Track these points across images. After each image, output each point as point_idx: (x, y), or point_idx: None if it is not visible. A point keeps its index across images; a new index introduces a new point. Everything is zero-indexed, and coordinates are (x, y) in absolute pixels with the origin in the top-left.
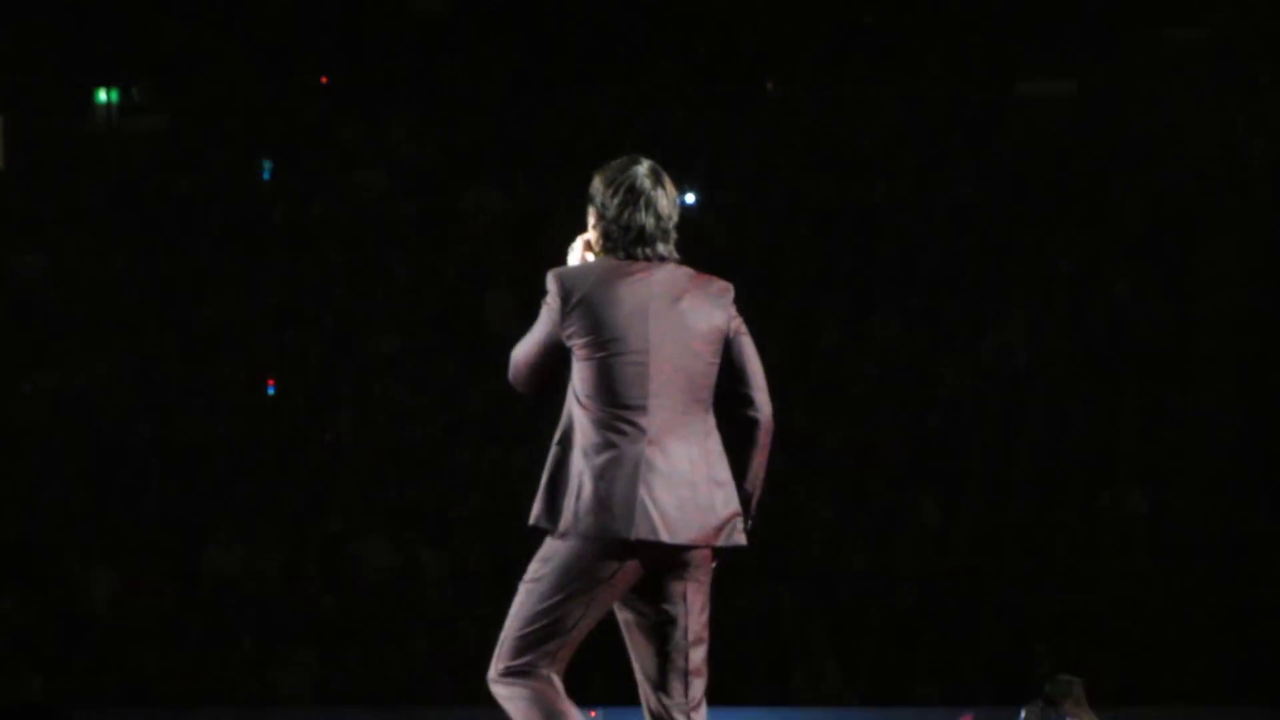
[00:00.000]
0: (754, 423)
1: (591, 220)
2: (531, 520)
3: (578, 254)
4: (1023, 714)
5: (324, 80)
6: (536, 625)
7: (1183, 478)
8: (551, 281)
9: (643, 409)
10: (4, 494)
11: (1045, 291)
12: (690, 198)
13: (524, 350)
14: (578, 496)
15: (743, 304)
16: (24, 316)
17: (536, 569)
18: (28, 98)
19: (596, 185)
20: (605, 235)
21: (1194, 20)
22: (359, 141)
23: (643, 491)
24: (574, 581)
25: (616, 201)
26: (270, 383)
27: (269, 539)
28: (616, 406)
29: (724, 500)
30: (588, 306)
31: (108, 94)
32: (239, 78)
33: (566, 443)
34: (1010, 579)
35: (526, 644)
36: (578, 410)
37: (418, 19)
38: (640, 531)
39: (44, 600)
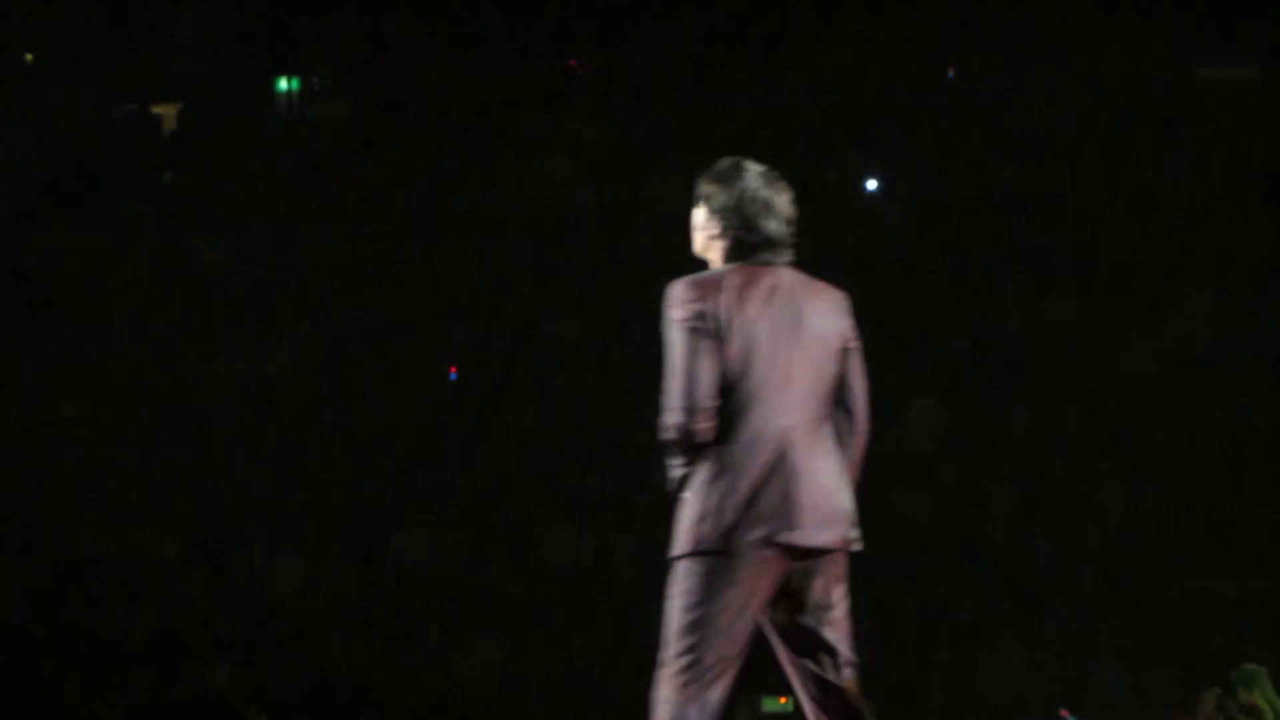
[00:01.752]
0: (851, 434)
1: (707, 226)
2: (690, 549)
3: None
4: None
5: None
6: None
7: None
8: (671, 298)
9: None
10: (189, 482)
11: (1228, 276)
12: (872, 183)
13: (675, 385)
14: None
15: (923, 289)
16: (208, 304)
17: (672, 587)
18: (209, 86)
19: (709, 190)
20: (731, 242)
21: None
22: (539, 129)
23: None
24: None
25: (738, 207)
26: (453, 370)
27: (454, 526)
28: (736, 399)
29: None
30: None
31: (289, 82)
32: (419, 64)
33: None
34: (1193, 563)
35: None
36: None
37: (598, 4)
38: None
39: (229, 588)
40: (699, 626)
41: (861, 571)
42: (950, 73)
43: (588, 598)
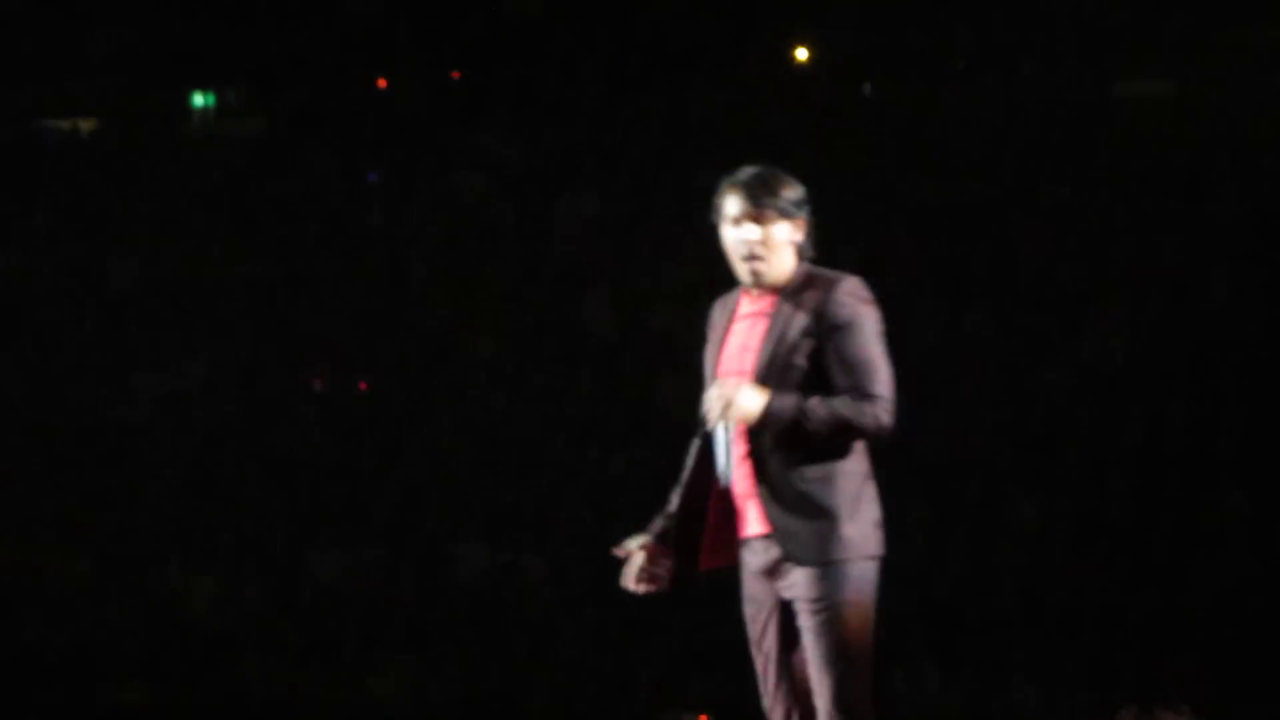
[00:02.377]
0: None
1: (803, 219)
2: (882, 551)
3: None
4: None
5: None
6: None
7: None
8: (863, 288)
9: None
10: (104, 499)
11: (1144, 291)
12: None
13: (886, 365)
14: (859, 515)
15: None
16: (121, 320)
17: (857, 595)
18: (124, 101)
19: (800, 190)
20: (809, 236)
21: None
22: (455, 144)
23: None
24: (870, 605)
25: (805, 200)
26: (363, 386)
27: (367, 544)
28: None
29: None
30: None
31: (204, 98)
32: (334, 80)
33: (838, 462)
34: (1108, 579)
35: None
36: None
37: (515, 21)
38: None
39: (143, 606)
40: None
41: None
42: (866, 88)
43: (502, 616)
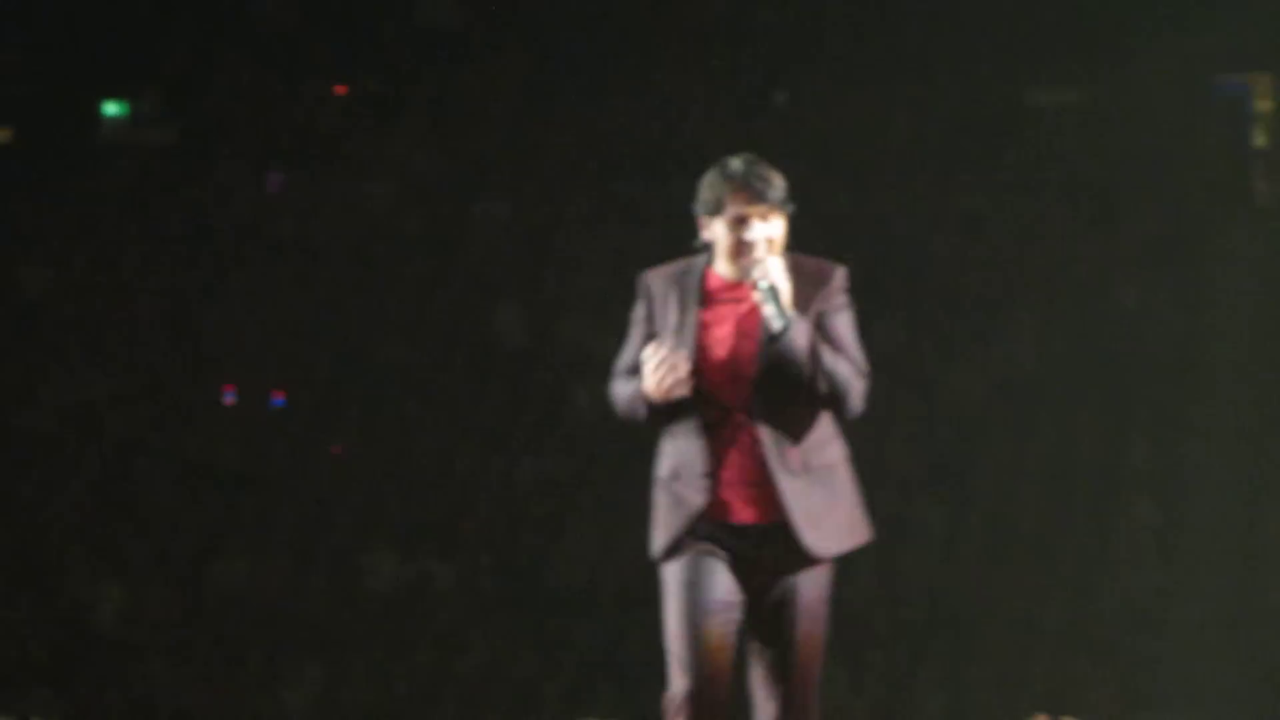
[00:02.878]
0: None
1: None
2: (859, 541)
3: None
4: None
5: (341, 90)
6: None
7: (1192, 487)
8: None
9: None
10: (12, 507)
11: (1055, 299)
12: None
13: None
14: (859, 502)
15: None
16: (32, 329)
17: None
18: (36, 110)
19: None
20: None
21: (1201, 29)
22: (368, 153)
23: None
24: None
25: None
26: (278, 395)
27: (276, 553)
28: None
29: None
30: None
31: (116, 107)
32: (248, 89)
33: (837, 446)
34: (1018, 590)
35: None
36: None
37: (427, 31)
38: None
39: (51, 613)
40: None
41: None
42: (780, 97)
43: (411, 624)
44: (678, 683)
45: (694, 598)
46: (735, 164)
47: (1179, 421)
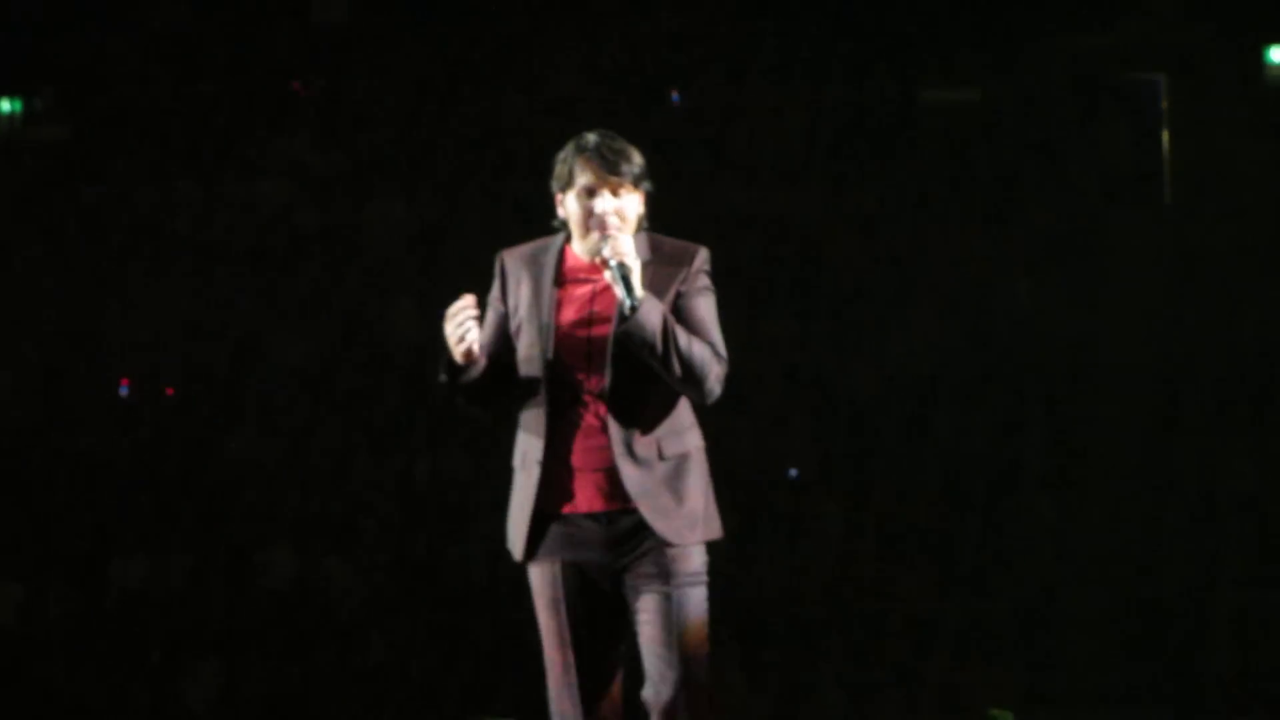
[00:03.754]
0: None
1: (645, 194)
2: (713, 534)
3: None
4: None
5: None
6: None
7: (1087, 485)
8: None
9: None
10: None
11: (950, 297)
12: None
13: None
14: (712, 497)
15: None
16: None
17: (702, 582)
18: None
19: (643, 160)
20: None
21: (1098, 28)
22: (261, 152)
23: None
24: None
25: None
26: (169, 392)
27: (173, 551)
28: None
29: None
30: None
31: (10, 104)
32: (141, 87)
33: (692, 436)
34: (916, 587)
35: None
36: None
37: (319, 27)
38: None
39: None
40: None
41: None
42: (675, 95)
43: (308, 622)
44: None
45: (563, 632)
46: (589, 137)
47: (1074, 418)
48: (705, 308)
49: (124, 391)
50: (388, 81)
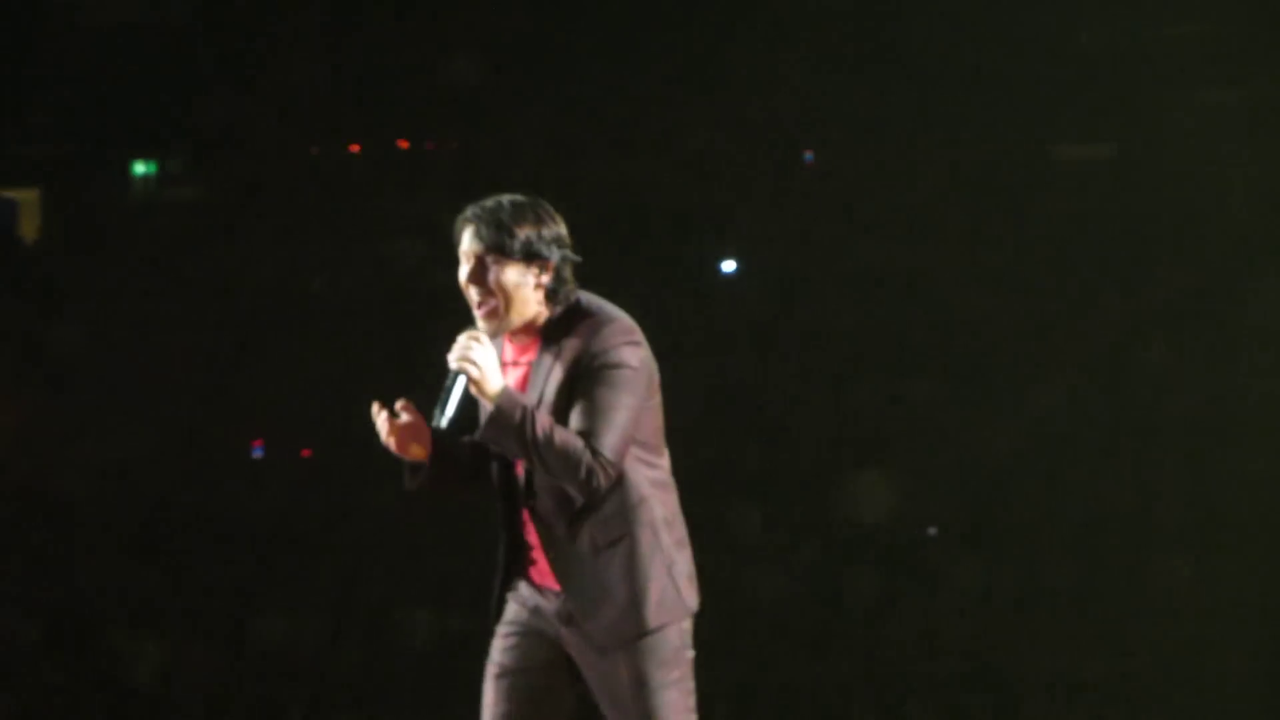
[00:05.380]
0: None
1: (550, 261)
2: (662, 621)
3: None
4: None
5: (354, 149)
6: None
7: (1225, 543)
8: (632, 331)
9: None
10: (48, 566)
11: (1085, 356)
12: (729, 264)
13: (626, 427)
14: (672, 574)
15: (784, 369)
16: (63, 389)
17: (674, 665)
18: (65, 169)
19: (555, 227)
20: (562, 278)
21: (1232, 82)
22: (393, 211)
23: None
24: (688, 664)
25: (563, 237)
26: (306, 454)
27: (314, 610)
28: (664, 457)
29: None
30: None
31: (145, 166)
32: (274, 147)
33: (636, 516)
34: (1055, 645)
35: None
36: (642, 470)
37: (452, 87)
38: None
39: (89, 672)
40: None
41: (722, 653)
42: (808, 154)
43: (446, 680)
44: None
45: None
46: (482, 201)
47: (1212, 476)
48: (596, 390)
49: (258, 453)
50: (520, 140)
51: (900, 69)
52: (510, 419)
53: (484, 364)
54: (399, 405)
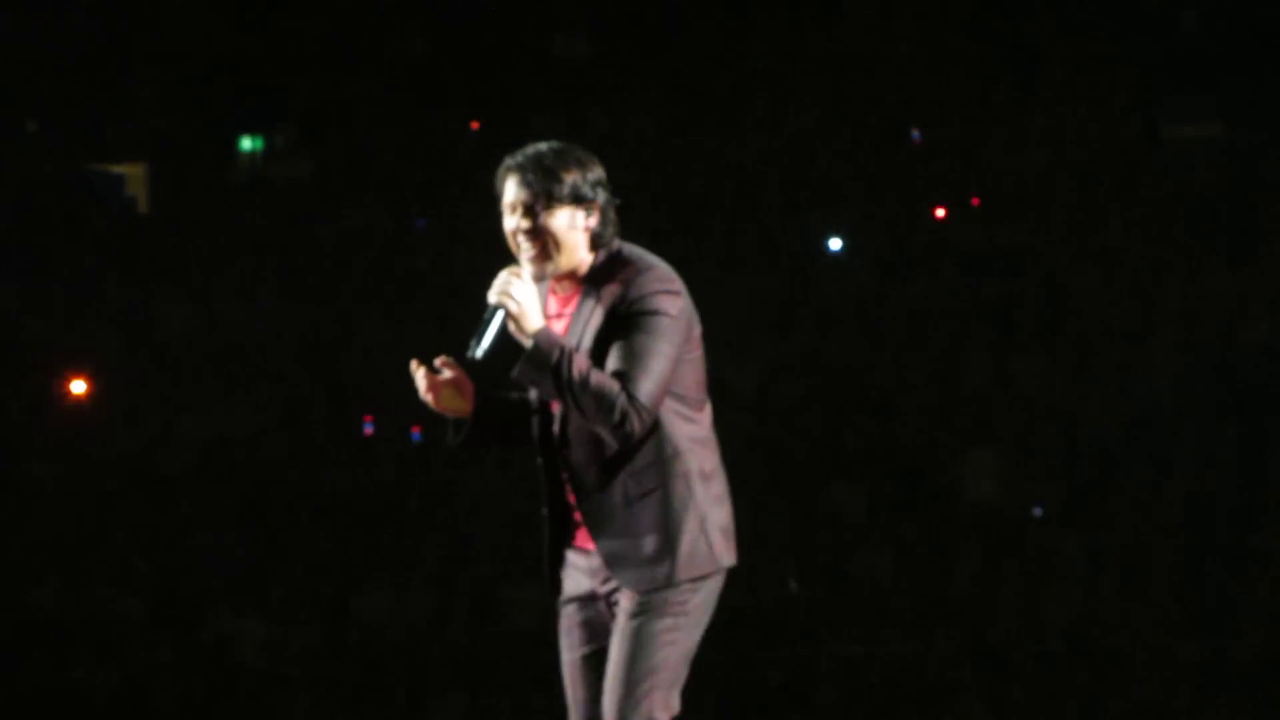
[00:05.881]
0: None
1: (596, 203)
2: (691, 574)
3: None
4: None
5: (474, 125)
6: (683, 672)
7: None
8: (671, 280)
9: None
10: (154, 543)
11: (1193, 334)
12: (835, 243)
13: (664, 375)
14: (705, 528)
15: (891, 345)
16: (170, 365)
17: (676, 616)
18: (172, 146)
19: (597, 170)
20: (608, 221)
21: None
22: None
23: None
24: (706, 619)
25: (605, 180)
26: (416, 429)
27: (418, 586)
28: (704, 413)
29: None
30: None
31: (252, 141)
32: (381, 123)
33: (671, 469)
34: (1159, 624)
35: (676, 693)
36: (680, 424)
37: (561, 63)
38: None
39: (194, 648)
40: (689, 658)
41: (826, 633)
42: (915, 133)
43: (550, 658)
44: None
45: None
46: (523, 149)
47: None
48: (634, 333)
49: (368, 429)
50: (628, 117)
51: (1008, 47)
52: (547, 357)
53: (523, 300)
54: (439, 362)
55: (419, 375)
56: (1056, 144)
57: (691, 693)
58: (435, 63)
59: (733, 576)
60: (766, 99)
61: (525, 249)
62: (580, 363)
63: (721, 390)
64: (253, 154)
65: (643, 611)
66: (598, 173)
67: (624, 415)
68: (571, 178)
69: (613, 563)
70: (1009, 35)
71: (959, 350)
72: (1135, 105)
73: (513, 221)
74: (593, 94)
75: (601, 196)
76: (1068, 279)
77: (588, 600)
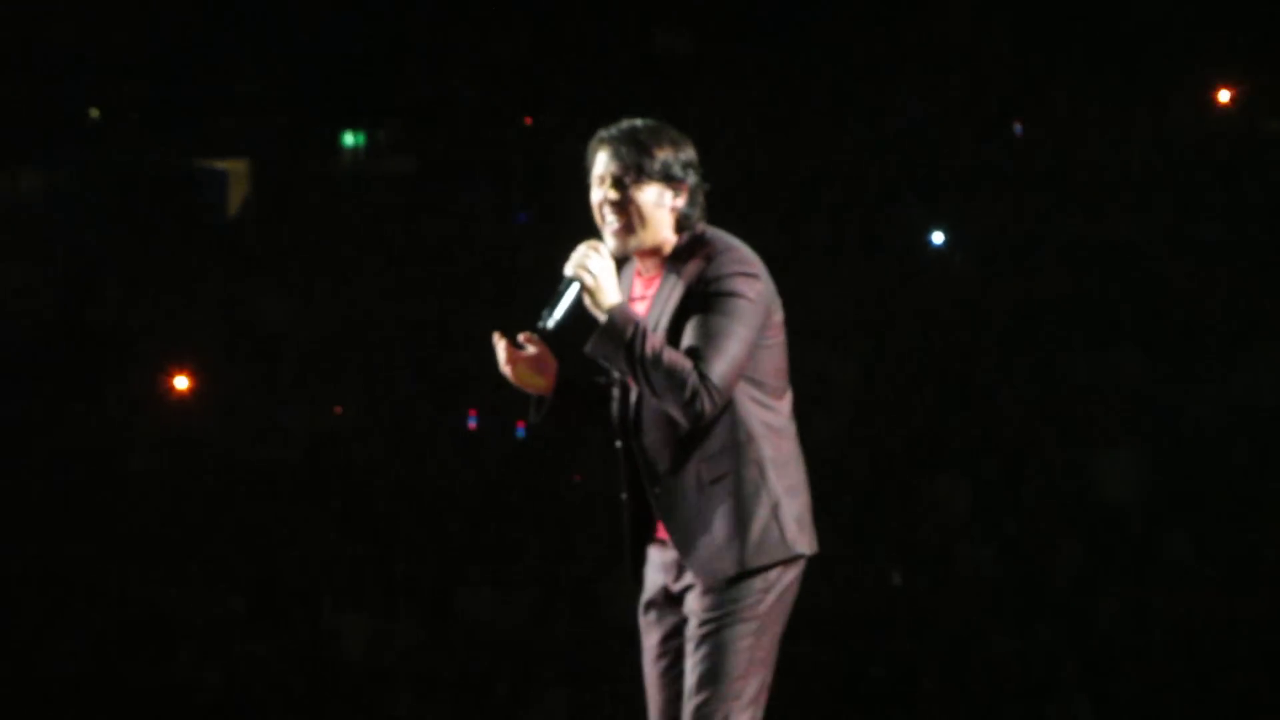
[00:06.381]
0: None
1: (686, 183)
2: (761, 561)
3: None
4: None
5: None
6: (766, 678)
7: None
8: (752, 262)
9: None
10: (255, 538)
11: None
12: (938, 236)
13: (738, 357)
14: (777, 514)
15: (992, 342)
16: (272, 360)
17: (748, 621)
18: (274, 141)
19: (689, 152)
20: (695, 203)
21: None
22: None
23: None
24: (783, 620)
25: (696, 162)
26: (520, 424)
27: (521, 581)
28: (784, 401)
29: None
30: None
31: (354, 137)
32: (484, 119)
33: (744, 454)
34: (1263, 619)
35: (759, 707)
36: (756, 410)
37: (662, 58)
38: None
39: (296, 643)
40: (774, 656)
41: (929, 626)
42: (1017, 126)
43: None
44: None
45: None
46: (618, 123)
47: None
48: (706, 319)
49: (472, 424)
50: (728, 114)
51: (1110, 39)
52: (621, 334)
53: (600, 274)
54: (523, 337)
55: (500, 346)
56: (1159, 135)
57: (791, 687)
58: (536, 56)
59: (834, 570)
60: (868, 93)
61: (610, 222)
62: (653, 340)
63: (823, 384)
64: (355, 149)
65: (715, 619)
66: (690, 154)
67: (695, 393)
68: (664, 155)
69: (684, 548)
70: (1111, 28)
71: (1061, 344)
72: (1238, 99)
73: (600, 193)
74: (693, 89)
75: (692, 178)
76: (1170, 272)
77: (664, 604)
